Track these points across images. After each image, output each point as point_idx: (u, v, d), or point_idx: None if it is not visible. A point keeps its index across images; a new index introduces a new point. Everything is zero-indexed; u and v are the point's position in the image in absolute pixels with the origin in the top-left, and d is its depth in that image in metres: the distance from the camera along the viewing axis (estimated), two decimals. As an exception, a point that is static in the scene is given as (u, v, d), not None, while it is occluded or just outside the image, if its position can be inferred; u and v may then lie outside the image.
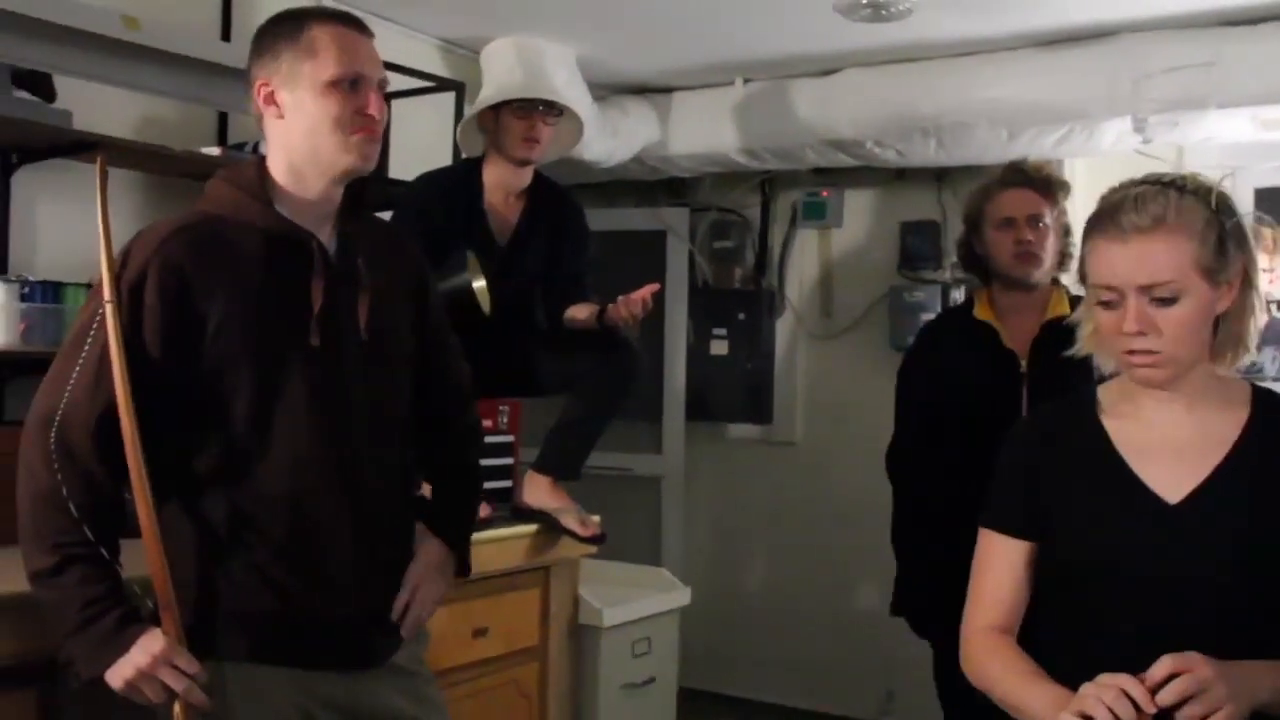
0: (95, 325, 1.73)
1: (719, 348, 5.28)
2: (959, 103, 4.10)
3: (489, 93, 3.12)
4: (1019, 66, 4.04)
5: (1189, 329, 1.60)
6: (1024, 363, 2.74)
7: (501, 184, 3.11)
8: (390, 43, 3.88)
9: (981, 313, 2.83)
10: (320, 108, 1.82)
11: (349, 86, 1.83)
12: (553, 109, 3.10)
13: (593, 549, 3.26)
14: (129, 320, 1.71)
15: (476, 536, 2.93)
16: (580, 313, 3.06)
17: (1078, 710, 1.46)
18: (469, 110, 3.15)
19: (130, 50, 2.95)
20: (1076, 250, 2.50)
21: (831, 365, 5.18)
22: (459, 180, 3.14)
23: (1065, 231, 2.83)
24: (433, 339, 2.08)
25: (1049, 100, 3.97)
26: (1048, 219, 2.78)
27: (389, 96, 3.68)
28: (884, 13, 3.67)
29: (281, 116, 1.85)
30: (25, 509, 1.72)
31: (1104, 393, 1.76)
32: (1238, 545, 1.59)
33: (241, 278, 1.78)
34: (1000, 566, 1.76)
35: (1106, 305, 1.63)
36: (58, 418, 1.71)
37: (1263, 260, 3.53)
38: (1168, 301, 1.58)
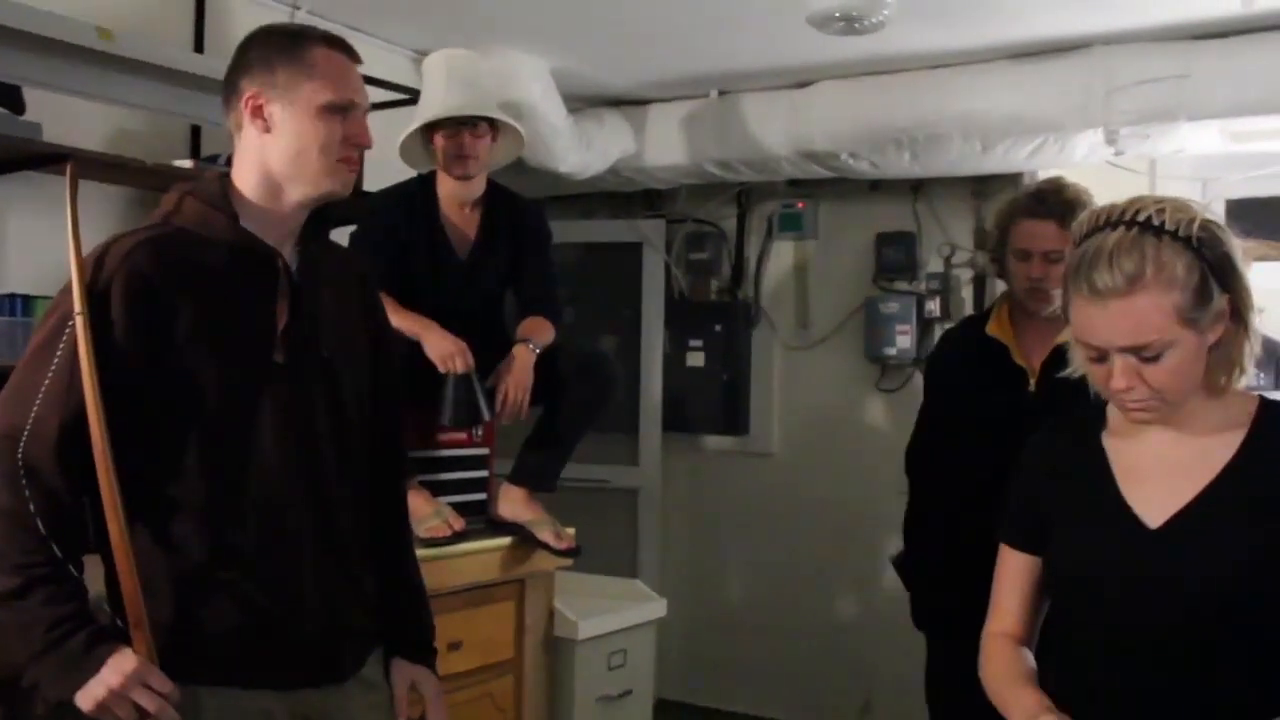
0: (64, 338, 1.70)
1: (695, 359, 5.28)
2: (932, 115, 4.12)
3: (419, 114, 3.12)
4: (992, 79, 4.06)
5: (1179, 377, 1.57)
6: (1033, 381, 2.72)
7: (454, 196, 3.13)
8: (364, 55, 3.87)
9: (993, 328, 2.80)
10: (314, 130, 1.80)
11: (342, 112, 1.83)
12: (480, 122, 3.08)
13: (568, 561, 3.25)
14: (95, 332, 1.68)
15: (451, 549, 2.94)
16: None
17: None
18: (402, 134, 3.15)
19: (103, 62, 2.94)
20: None
21: (808, 376, 5.19)
22: (415, 194, 3.15)
23: None
24: (384, 384, 2.05)
25: (1022, 112, 3.99)
26: (1067, 251, 2.71)
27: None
28: (857, 26, 3.68)
29: (268, 130, 1.82)
30: None
31: (1110, 411, 1.75)
32: (1214, 570, 1.57)
33: (207, 291, 1.77)
34: (1011, 578, 1.81)
35: (1096, 360, 1.61)
36: (25, 433, 1.67)
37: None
38: (1152, 358, 1.55)
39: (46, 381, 1.70)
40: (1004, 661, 1.76)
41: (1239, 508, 1.59)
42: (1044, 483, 1.78)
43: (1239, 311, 1.60)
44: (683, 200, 5.35)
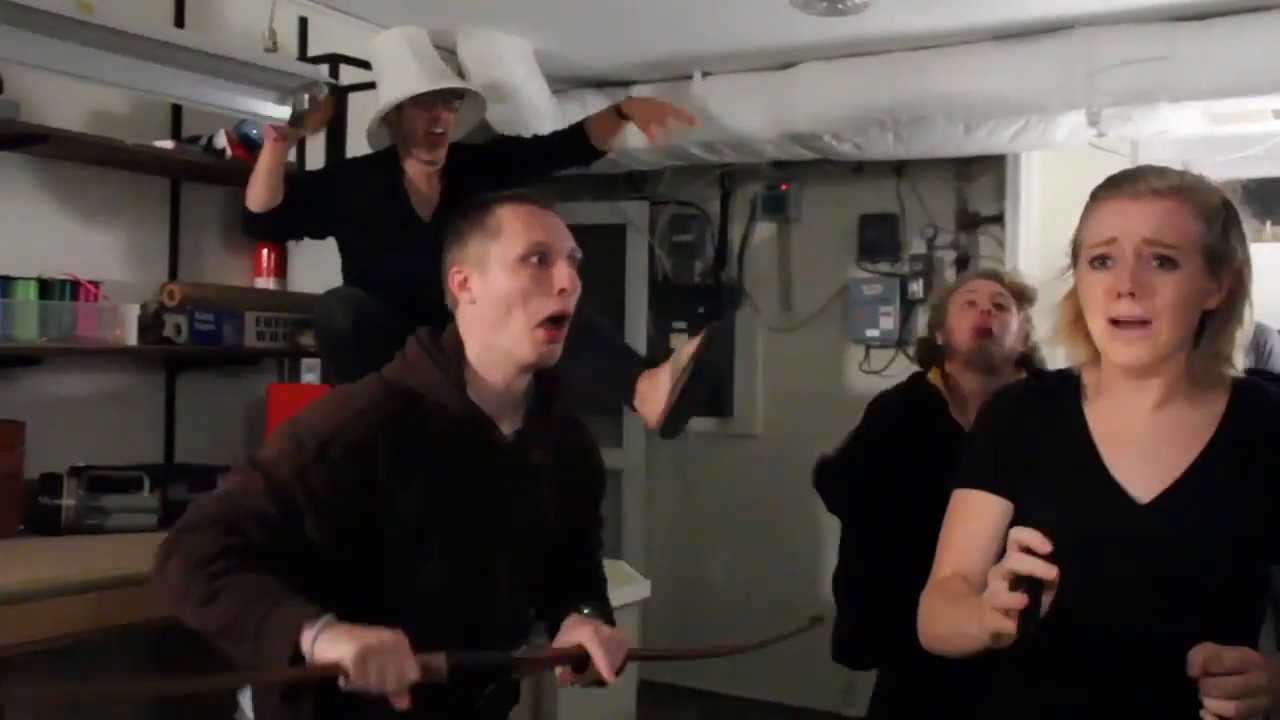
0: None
1: (679, 342, 5.25)
2: (916, 96, 4.11)
3: (393, 89, 3.12)
4: (975, 60, 4.06)
5: (1182, 301, 1.54)
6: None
7: (420, 166, 3.18)
8: (347, 35, 3.87)
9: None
10: (512, 284, 1.82)
11: (538, 261, 1.83)
12: (453, 95, 3.14)
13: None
14: (307, 483, 1.71)
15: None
16: None
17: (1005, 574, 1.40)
18: (376, 110, 3.17)
19: (81, 38, 2.90)
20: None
21: (791, 358, 5.19)
22: (376, 161, 3.22)
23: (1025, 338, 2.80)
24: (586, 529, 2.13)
25: (1005, 93, 3.99)
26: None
27: (348, 90, 3.70)
28: (841, 6, 3.68)
29: (474, 302, 1.86)
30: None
31: (1086, 376, 1.71)
32: (1205, 546, 1.56)
33: (432, 467, 1.80)
34: (973, 518, 1.70)
35: (1100, 263, 1.58)
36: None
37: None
38: (1167, 263, 1.53)
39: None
40: (945, 590, 1.65)
41: (1226, 484, 1.58)
42: (1017, 437, 1.70)
43: (1243, 285, 1.60)
44: (666, 182, 5.34)
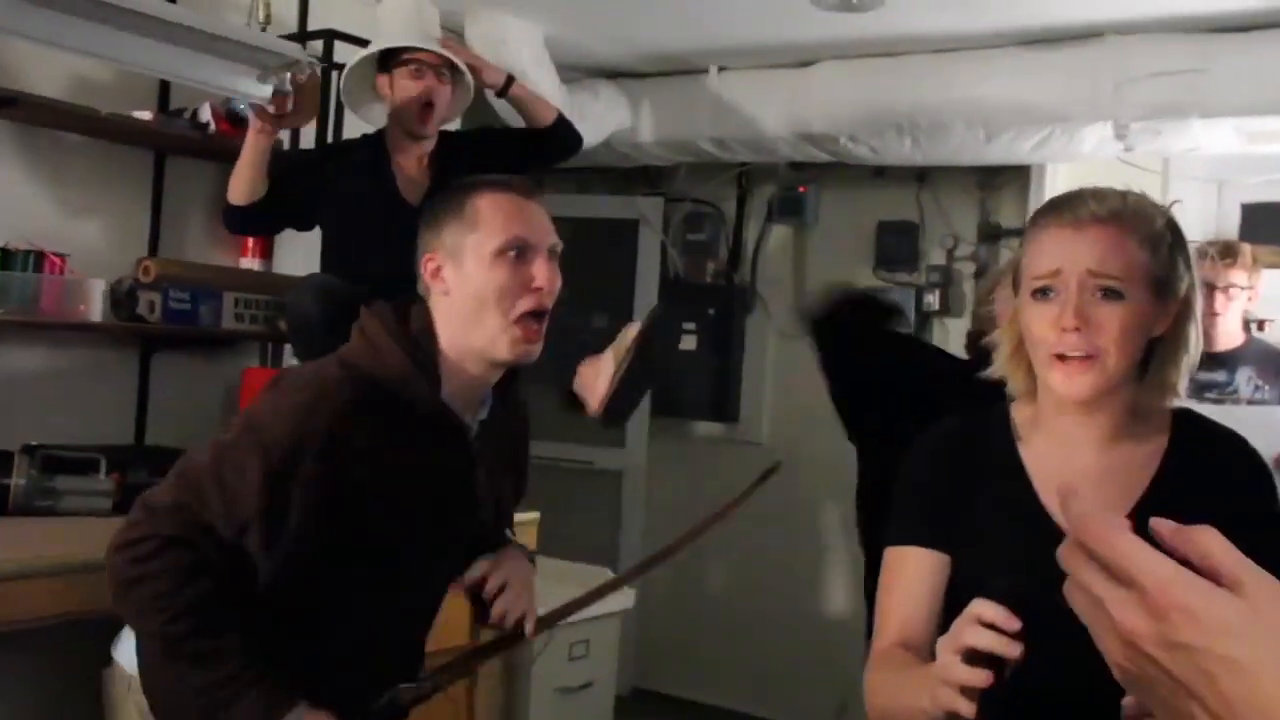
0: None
1: (687, 343, 5.14)
2: (936, 100, 3.97)
3: (383, 40, 3.00)
4: (999, 65, 3.90)
5: (1128, 334, 1.47)
6: None
7: (408, 149, 3.05)
8: (351, 16, 3.76)
9: None
10: (487, 278, 1.74)
11: (516, 256, 1.75)
12: (447, 68, 3.01)
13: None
14: (276, 498, 1.67)
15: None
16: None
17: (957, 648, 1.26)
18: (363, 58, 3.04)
19: (61, 5, 2.80)
20: None
21: (802, 366, 5.01)
22: (363, 144, 3.08)
23: None
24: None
25: (1029, 101, 3.84)
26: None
27: (342, 67, 3.58)
28: (854, 1, 3.54)
29: (447, 294, 1.78)
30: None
31: (1017, 413, 1.61)
32: None
33: (404, 474, 1.76)
34: (910, 579, 1.59)
35: (1043, 295, 1.49)
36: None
37: (1241, 278, 3.43)
38: (1112, 295, 1.46)
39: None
40: (891, 663, 1.53)
41: (1174, 519, 1.47)
42: (945, 485, 1.60)
43: (1190, 309, 1.53)
44: (682, 178, 5.22)
